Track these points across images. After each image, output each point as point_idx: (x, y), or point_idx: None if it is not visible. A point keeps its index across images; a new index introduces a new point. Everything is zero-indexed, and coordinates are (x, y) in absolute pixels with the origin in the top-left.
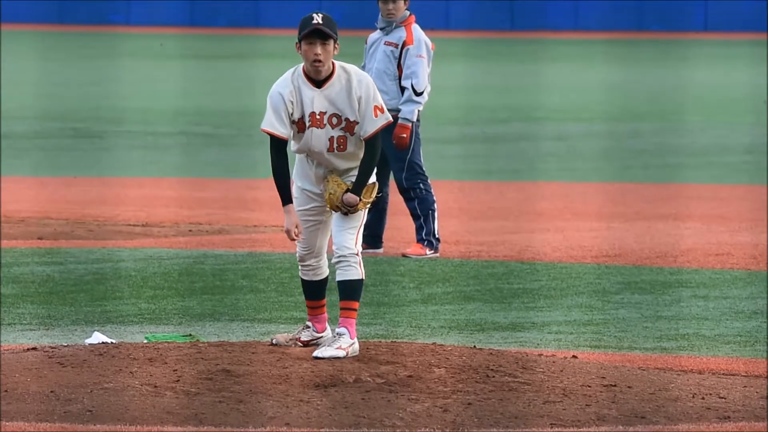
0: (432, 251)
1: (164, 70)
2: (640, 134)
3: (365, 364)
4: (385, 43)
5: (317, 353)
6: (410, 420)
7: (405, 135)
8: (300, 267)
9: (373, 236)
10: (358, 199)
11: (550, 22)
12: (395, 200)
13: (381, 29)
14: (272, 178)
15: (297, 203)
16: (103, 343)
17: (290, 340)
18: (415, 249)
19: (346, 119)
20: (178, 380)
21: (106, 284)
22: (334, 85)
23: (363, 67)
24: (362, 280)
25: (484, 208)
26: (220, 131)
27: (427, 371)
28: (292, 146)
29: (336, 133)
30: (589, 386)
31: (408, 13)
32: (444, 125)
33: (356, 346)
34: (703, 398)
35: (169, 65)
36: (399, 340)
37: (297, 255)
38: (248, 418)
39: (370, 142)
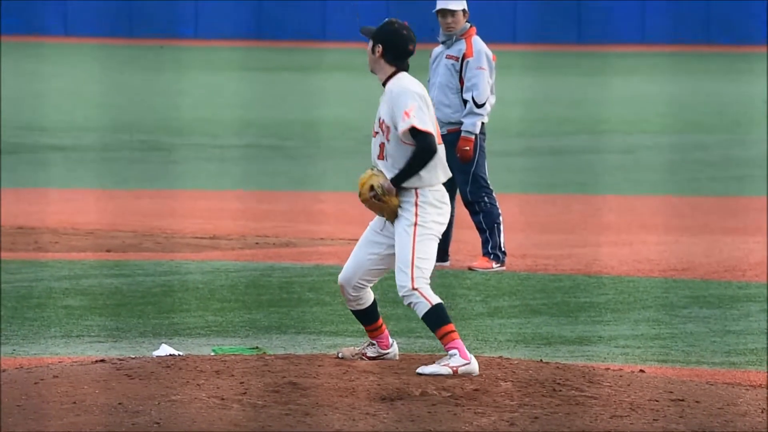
0: (498, 265)
1: (231, 82)
2: (706, 147)
3: (431, 378)
4: (446, 57)
5: (421, 370)
6: None
7: (468, 148)
8: (343, 296)
9: (439, 250)
10: (393, 189)
11: (617, 34)
12: (461, 213)
13: (442, 43)
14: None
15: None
16: (170, 355)
17: (356, 354)
18: (481, 262)
19: (387, 126)
20: (245, 393)
21: (174, 296)
22: (385, 93)
23: (428, 82)
24: (434, 306)
25: (551, 221)
26: (286, 143)
27: (494, 385)
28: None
29: (382, 139)
30: (657, 401)
31: (468, 25)
32: (510, 138)
33: (472, 367)
34: None
35: (236, 77)
36: None
37: (338, 280)
38: (315, 431)
39: (417, 141)
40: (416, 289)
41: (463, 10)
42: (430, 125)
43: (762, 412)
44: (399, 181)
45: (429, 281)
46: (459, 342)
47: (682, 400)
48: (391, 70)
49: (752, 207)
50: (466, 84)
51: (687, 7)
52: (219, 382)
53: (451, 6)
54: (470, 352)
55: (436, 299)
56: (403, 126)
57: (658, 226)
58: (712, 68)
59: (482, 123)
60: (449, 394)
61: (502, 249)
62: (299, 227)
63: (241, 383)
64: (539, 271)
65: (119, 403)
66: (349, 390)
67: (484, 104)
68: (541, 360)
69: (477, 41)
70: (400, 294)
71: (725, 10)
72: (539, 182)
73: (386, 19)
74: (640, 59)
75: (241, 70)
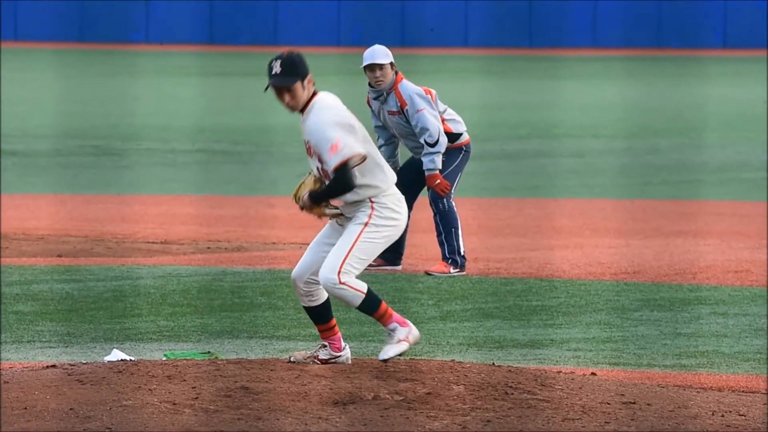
0: (456, 270)
1: (183, 88)
2: (659, 151)
3: (384, 381)
4: (389, 113)
5: (382, 356)
6: None
7: (438, 182)
8: (295, 292)
9: (392, 254)
10: (308, 199)
11: (568, 39)
12: (415, 217)
13: (375, 99)
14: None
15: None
16: (122, 360)
17: (308, 357)
18: (439, 267)
19: (317, 153)
20: (197, 397)
21: (125, 301)
22: (308, 117)
23: (378, 135)
24: (366, 294)
25: (503, 224)
26: (238, 148)
27: (446, 388)
28: None
29: (316, 163)
30: (608, 403)
31: (394, 75)
32: None
33: (414, 330)
34: (722, 416)
35: (189, 83)
36: (417, 358)
37: (291, 275)
38: None
39: (335, 172)
40: (344, 284)
41: (391, 63)
42: (357, 148)
43: (713, 414)
44: (315, 200)
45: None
46: (395, 315)
47: (634, 403)
48: (311, 92)
49: (704, 211)
50: (416, 131)
51: (639, 11)
52: (171, 387)
53: (379, 60)
54: (422, 356)
55: (363, 285)
56: (333, 163)
57: (610, 229)
58: (665, 72)
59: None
60: (401, 398)
61: (461, 254)
62: (251, 232)
63: (193, 388)
64: (491, 274)
65: (70, 409)
66: (301, 394)
67: (436, 142)
68: (493, 363)
69: (404, 88)
70: (322, 282)
71: (677, 14)
72: (492, 186)
73: (286, 54)
74: (592, 63)
75: (192, 75)
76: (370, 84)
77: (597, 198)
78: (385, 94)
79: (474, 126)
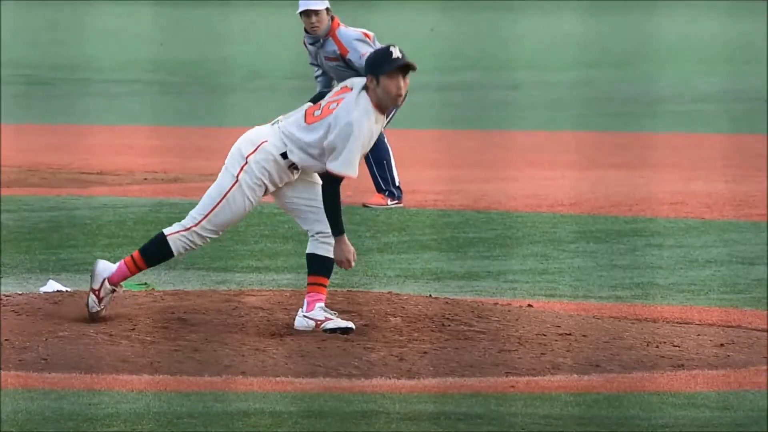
0: (394, 201)
1: (119, 19)
2: (594, 83)
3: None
4: (326, 59)
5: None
6: (366, 368)
7: None
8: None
9: None
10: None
11: None
12: None
13: (311, 44)
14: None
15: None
16: (57, 291)
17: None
18: (376, 199)
19: None
20: (134, 329)
21: (61, 232)
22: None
23: (317, 77)
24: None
25: (439, 156)
26: (173, 79)
27: (383, 320)
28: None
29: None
30: (544, 335)
31: (330, 20)
32: None
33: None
34: (657, 347)
35: (128, 12)
36: (355, 289)
37: (202, 236)
38: (204, 367)
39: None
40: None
41: (327, 9)
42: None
43: (647, 345)
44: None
45: None
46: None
47: (569, 334)
48: None
49: (638, 143)
50: (363, 73)
51: None
52: (107, 318)
53: (314, 6)
54: (359, 288)
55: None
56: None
57: (546, 161)
58: (609, 6)
59: None
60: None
61: (397, 185)
62: (187, 163)
63: (129, 319)
64: (428, 206)
65: (6, 340)
66: (238, 326)
67: None
68: (430, 295)
69: (343, 34)
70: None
71: None
72: (427, 118)
73: (398, 47)
74: None
75: (126, 4)
76: (306, 30)
77: (532, 130)
78: (321, 39)
79: (411, 58)
